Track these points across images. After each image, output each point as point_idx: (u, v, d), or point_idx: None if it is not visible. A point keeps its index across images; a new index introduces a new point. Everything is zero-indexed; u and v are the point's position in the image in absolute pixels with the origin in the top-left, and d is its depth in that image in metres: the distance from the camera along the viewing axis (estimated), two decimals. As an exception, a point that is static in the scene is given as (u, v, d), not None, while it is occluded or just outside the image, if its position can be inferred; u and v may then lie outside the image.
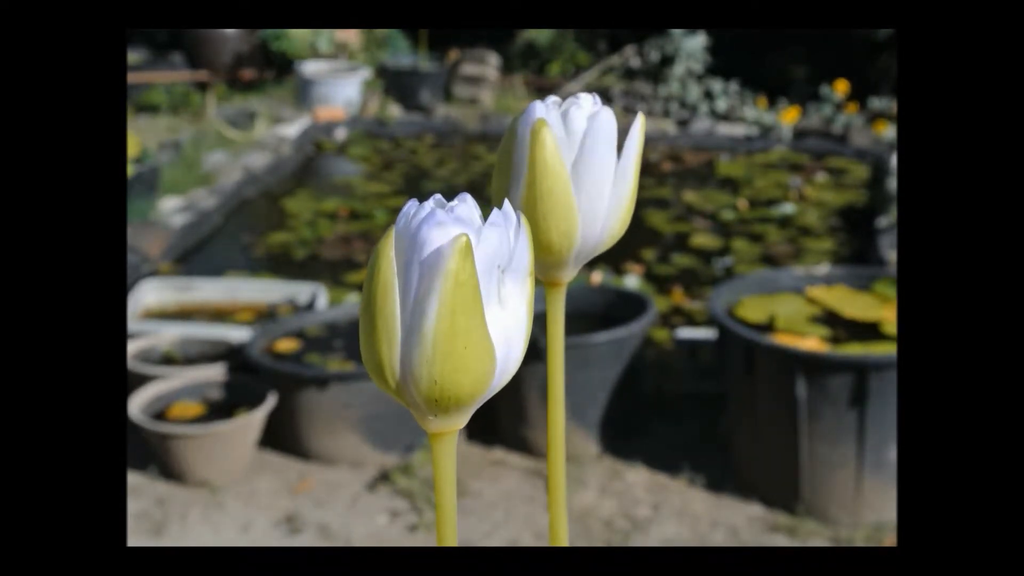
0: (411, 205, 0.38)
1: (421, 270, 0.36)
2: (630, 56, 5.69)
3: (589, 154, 0.44)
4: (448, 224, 0.36)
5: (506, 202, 0.39)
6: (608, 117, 0.44)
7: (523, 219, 0.39)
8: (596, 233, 0.46)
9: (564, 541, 0.48)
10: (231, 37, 5.82)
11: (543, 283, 0.47)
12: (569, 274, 0.47)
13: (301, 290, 2.80)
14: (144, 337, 2.48)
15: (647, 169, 4.46)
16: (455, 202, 0.38)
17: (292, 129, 5.01)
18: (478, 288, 0.36)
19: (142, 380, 2.30)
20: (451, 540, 0.41)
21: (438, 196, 0.39)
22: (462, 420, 0.39)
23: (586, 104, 0.46)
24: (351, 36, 5.97)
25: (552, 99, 0.46)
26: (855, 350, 2.09)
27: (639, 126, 0.46)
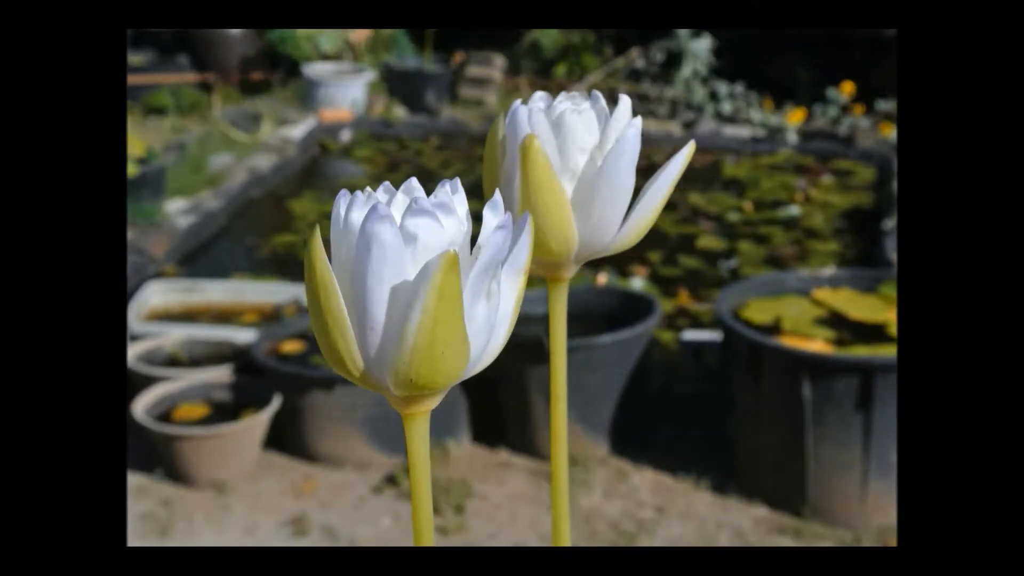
0: (343, 196, 0.39)
1: (399, 275, 0.37)
2: (636, 57, 5.69)
3: (612, 166, 0.45)
4: (390, 218, 0.37)
5: (497, 192, 0.40)
6: (635, 134, 0.45)
7: (530, 219, 0.40)
8: (607, 240, 0.46)
9: (566, 539, 0.48)
10: (237, 39, 5.82)
11: (544, 279, 0.48)
12: (570, 272, 0.47)
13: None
14: (149, 338, 2.49)
15: (651, 170, 4.43)
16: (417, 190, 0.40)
17: (297, 131, 5.02)
18: (461, 300, 0.37)
19: (147, 381, 2.31)
20: (427, 518, 0.41)
21: (386, 184, 0.40)
22: (434, 403, 0.41)
23: (583, 106, 0.46)
24: (357, 37, 5.97)
25: (539, 96, 0.46)
26: (861, 352, 2.09)
27: (685, 154, 0.46)
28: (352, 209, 0.38)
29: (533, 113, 0.45)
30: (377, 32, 5.95)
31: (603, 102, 0.46)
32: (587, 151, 0.45)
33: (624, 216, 0.47)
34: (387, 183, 0.40)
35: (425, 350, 0.37)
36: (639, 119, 0.45)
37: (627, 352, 2.28)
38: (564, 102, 0.46)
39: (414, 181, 0.40)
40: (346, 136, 5.23)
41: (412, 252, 0.37)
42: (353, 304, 0.38)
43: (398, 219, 0.38)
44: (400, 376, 0.38)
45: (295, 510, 2.14)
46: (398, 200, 0.40)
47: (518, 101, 0.46)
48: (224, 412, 2.30)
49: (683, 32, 5.42)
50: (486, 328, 0.39)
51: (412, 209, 0.37)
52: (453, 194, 0.39)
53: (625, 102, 0.46)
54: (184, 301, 2.82)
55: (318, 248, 0.38)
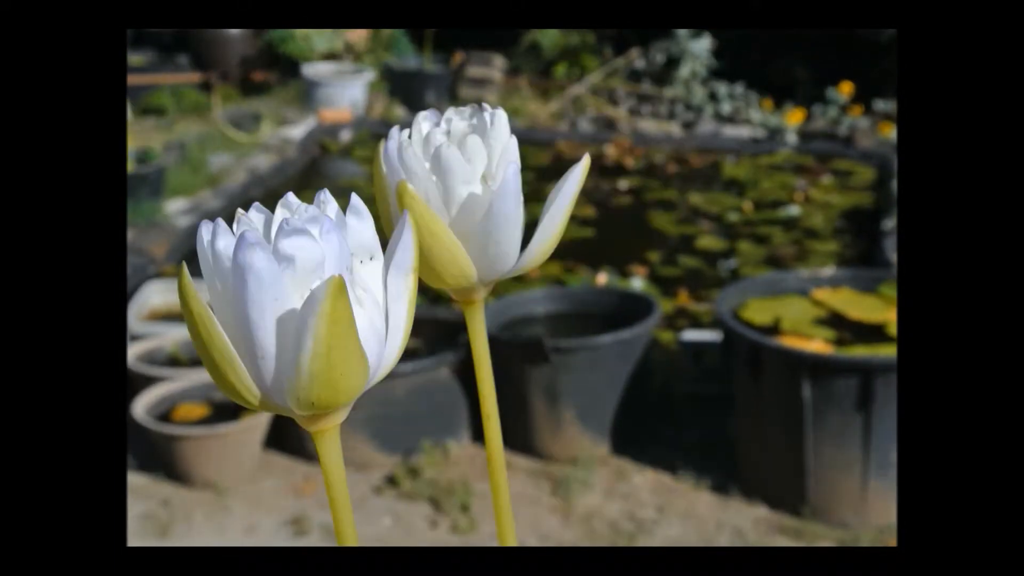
0: (204, 226, 0.38)
1: (282, 301, 0.36)
2: (635, 58, 5.69)
3: (498, 209, 0.43)
4: (260, 245, 0.36)
5: (354, 196, 0.39)
6: (515, 171, 0.43)
7: (409, 217, 0.39)
8: (507, 267, 0.45)
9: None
10: (237, 39, 5.82)
11: (457, 302, 0.47)
12: (481, 294, 0.46)
13: (306, 292, 2.80)
14: (149, 339, 2.49)
15: (653, 171, 4.45)
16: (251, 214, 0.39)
17: (297, 131, 5.02)
18: (353, 322, 0.36)
19: (147, 382, 2.31)
20: (350, 529, 0.41)
21: (257, 204, 0.39)
22: (341, 417, 0.40)
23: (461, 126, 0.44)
24: (356, 38, 5.97)
25: (423, 116, 0.44)
26: (860, 352, 2.09)
27: (581, 170, 0.45)
28: (217, 238, 0.37)
29: (404, 150, 0.43)
30: (377, 32, 5.94)
31: (485, 116, 0.44)
32: (471, 182, 0.43)
33: (525, 238, 0.45)
34: (258, 203, 0.39)
35: (323, 375, 0.37)
36: (515, 141, 0.44)
37: (627, 352, 2.28)
38: (445, 123, 0.44)
39: (291, 196, 0.39)
40: (346, 136, 5.23)
41: (291, 274, 0.36)
42: (239, 335, 0.37)
43: (271, 239, 0.36)
44: (301, 400, 0.37)
45: (295, 510, 2.14)
46: (277, 218, 0.38)
47: (395, 129, 0.44)
48: (224, 412, 2.30)
49: (683, 32, 5.42)
50: (377, 334, 0.38)
51: (283, 230, 0.36)
52: (325, 204, 0.38)
53: (501, 117, 0.44)
54: (184, 301, 2.81)
55: (188, 284, 0.37)
